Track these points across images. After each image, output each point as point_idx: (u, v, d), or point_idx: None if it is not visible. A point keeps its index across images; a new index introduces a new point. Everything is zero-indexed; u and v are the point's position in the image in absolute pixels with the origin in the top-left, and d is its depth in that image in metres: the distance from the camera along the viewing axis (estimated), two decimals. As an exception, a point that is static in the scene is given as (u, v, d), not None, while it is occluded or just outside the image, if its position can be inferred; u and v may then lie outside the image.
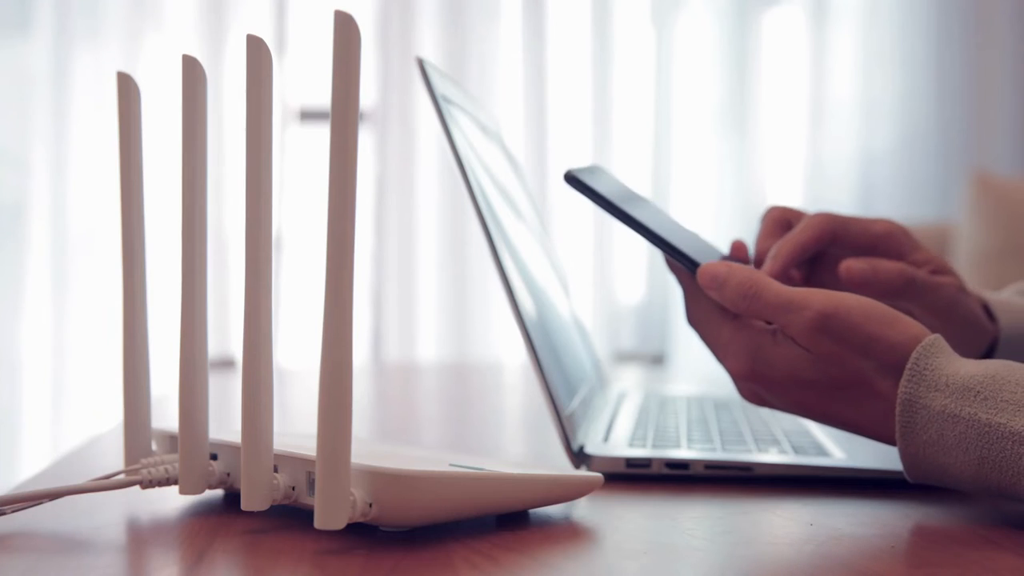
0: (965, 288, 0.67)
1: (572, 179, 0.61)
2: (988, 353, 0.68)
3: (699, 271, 0.59)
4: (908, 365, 0.52)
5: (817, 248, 0.65)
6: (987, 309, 0.69)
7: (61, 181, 2.31)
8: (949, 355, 0.53)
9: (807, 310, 0.54)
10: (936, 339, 0.53)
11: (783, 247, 0.65)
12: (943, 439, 0.51)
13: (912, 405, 0.52)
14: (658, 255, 0.66)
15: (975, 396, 0.50)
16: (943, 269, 0.67)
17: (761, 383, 0.57)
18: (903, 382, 0.52)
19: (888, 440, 0.55)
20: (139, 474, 0.50)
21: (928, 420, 0.51)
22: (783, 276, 0.64)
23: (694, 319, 0.62)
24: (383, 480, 0.44)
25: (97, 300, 2.31)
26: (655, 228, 0.61)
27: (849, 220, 0.66)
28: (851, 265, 0.64)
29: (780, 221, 0.68)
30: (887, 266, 0.64)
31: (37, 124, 2.32)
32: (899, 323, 0.54)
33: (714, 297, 0.58)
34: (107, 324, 2.30)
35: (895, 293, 0.63)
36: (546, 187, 2.37)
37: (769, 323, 0.58)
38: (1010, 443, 0.49)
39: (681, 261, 0.61)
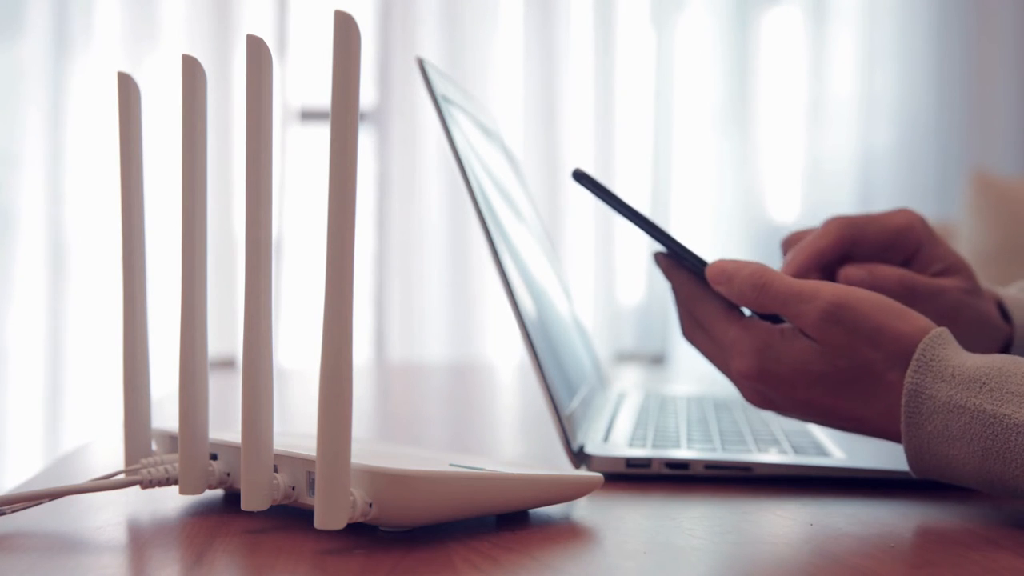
0: (977, 289, 0.66)
1: (582, 176, 0.61)
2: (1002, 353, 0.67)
3: (709, 267, 0.59)
4: (915, 356, 0.52)
5: (835, 255, 0.64)
6: (1001, 307, 0.68)
7: (57, 182, 2.31)
8: (955, 347, 0.53)
9: (818, 300, 0.54)
10: (943, 331, 0.53)
11: (799, 253, 0.64)
12: (948, 430, 0.51)
13: (918, 396, 0.52)
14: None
15: (981, 387, 0.50)
16: (955, 268, 0.65)
17: (768, 382, 0.57)
18: (909, 372, 0.52)
19: (892, 435, 0.55)
20: (139, 474, 0.50)
21: (933, 411, 0.51)
22: None
23: (698, 323, 0.62)
24: (383, 480, 0.44)
25: (95, 301, 2.31)
26: (663, 227, 0.61)
27: (866, 222, 0.65)
28: (849, 273, 0.63)
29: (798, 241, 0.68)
30: (886, 272, 0.63)
31: (33, 125, 2.31)
32: (907, 315, 0.54)
33: (723, 292, 0.58)
34: (106, 325, 2.30)
35: (895, 299, 0.62)
36: (546, 188, 2.37)
37: (775, 321, 0.58)
38: (1014, 434, 0.49)
39: (688, 258, 0.61)
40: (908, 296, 0.63)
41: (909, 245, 0.65)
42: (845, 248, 0.65)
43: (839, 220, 0.65)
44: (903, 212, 0.66)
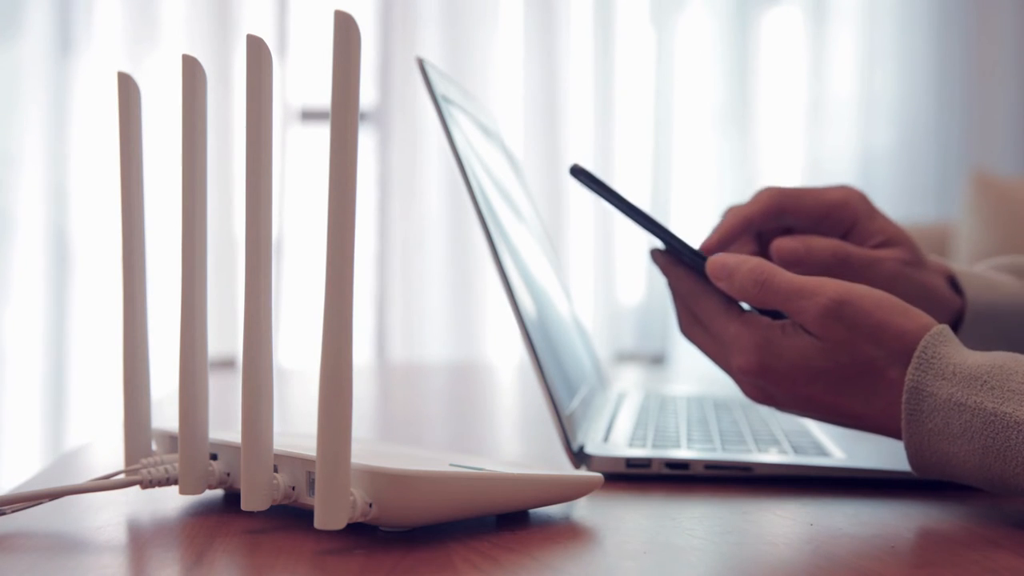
0: (918, 261, 0.66)
1: (579, 172, 0.61)
2: (952, 327, 0.67)
3: (709, 261, 0.59)
4: (916, 353, 0.52)
5: (763, 221, 0.65)
6: (953, 282, 0.68)
7: (58, 182, 2.31)
8: (957, 345, 0.53)
9: (820, 296, 0.54)
10: (944, 328, 0.53)
11: (727, 219, 0.65)
12: (948, 427, 0.51)
13: (919, 393, 0.52)
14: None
15: (982, 385, 0.50)
16: (894, 240, 0.65)
17: (769, 377, 0.57)
18: (910, 369, 0.52)
19: (893, 433, 0.55)
20: (139, 474, 0.50)
21: (934, 408, 0.51)
22: (721, 248, 0.64)
23: (697, 319, 0.62)
24: (383, 480, 0.44)
25: (95, 301, 2.31)
26: (661, 222, 0.61)
27: (801, 192, 0.66)
28: (782, 244, 0.63)
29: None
30: (820, 243, 0.63)
31: (33, 125, 2.31)
32: (909, 312, 0.54)
33: (723, 287, 0.58)
34: (106, 325, 2.30)
35: (829, 271, 0.62)
36: (546, 188, 2.37)
37: (776, 317, 0.58)
38: (1015, 432, 0.49)
39: (686, 254, 0.61)
40: (842, 267, 0.63)
41: (845, 219, 0.65)
42: (774, 216, 0.65)
43: (771, 190, 0.65)
44: (841, 188, 0.66)
